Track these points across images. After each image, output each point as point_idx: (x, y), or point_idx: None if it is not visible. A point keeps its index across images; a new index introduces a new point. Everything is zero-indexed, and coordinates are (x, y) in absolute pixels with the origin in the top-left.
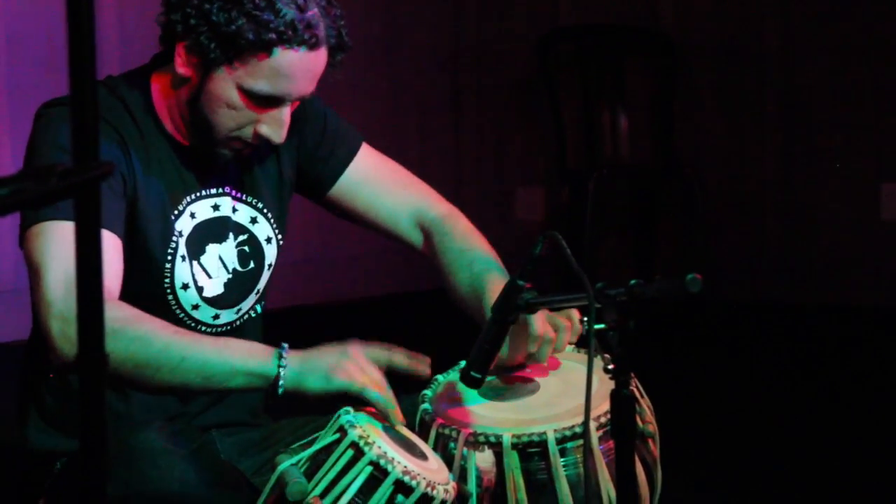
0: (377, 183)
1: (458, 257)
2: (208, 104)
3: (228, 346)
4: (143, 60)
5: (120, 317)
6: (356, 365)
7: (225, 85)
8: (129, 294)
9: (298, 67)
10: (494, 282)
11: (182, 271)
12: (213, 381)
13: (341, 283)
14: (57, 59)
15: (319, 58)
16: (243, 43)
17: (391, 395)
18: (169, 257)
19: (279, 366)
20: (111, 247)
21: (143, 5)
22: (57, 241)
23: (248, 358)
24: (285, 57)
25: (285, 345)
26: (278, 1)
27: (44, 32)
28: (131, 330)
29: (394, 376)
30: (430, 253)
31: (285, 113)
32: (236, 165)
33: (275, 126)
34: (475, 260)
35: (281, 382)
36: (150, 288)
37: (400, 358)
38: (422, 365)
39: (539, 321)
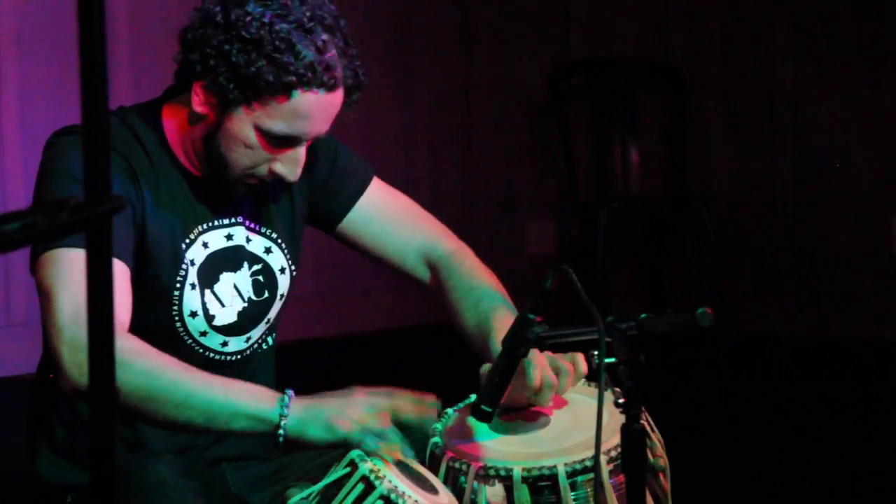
0: (386, 218)
1: (465, 294)
2: (225, 142)
3: (235, 387)
4: (156, 89)
5: (129, 348)
6: (359, 413)
7: (242, 125)
8: (137, 320)
9: (316, 108)
10: (501, 319)
11: (191, 299)
12: (216, 421)
13: (353, 316)
14: (69, 89)
15: (336, 98)
16: (263, 85)
17: (395, 438)
18: (178, 285)
19: (281, 414)
20: (121, 277)
21: (156, 35)
22: (68, 267)
23: (251, 401)
24: (304, 99)
25: (290, 391)
26: (298, 42)
27: (56, 64)
28: (140, 362)
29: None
30: (437, 289)
31: (301, 152)
32: (250, 196)
33: (290, 165)
34: (482, 297)
35: (281, 431)
36: (157, 315)
37: (407, 408)
38: (428, 409)
39: (537, 369)
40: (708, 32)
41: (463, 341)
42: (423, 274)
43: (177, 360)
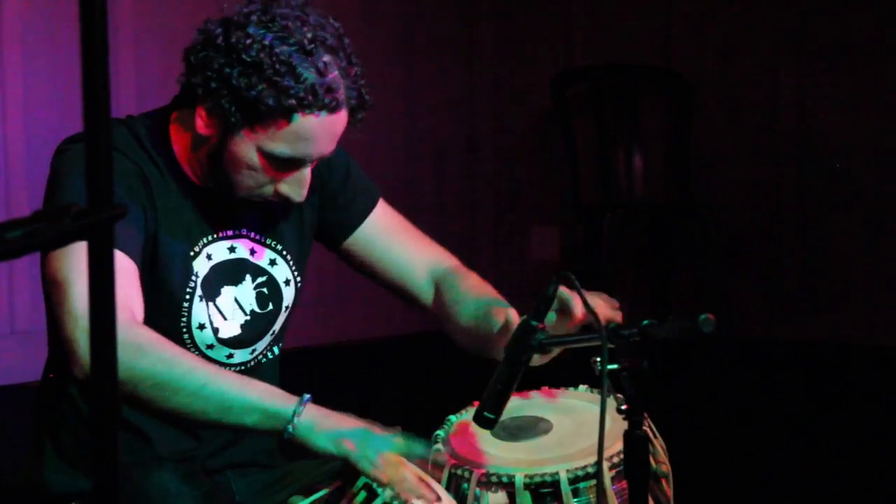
0: (393, 238)
1: (466, 295)
2: (229, 164)
3: (251, 383)
4: (159, 96)
5: (146, 336)
6: (369, 446)
7: (245, 147)
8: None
9: (318, 130)
10: (500, 312)
11: (199, 311)
12: (230, 413)
13: (356, 324)
14: (73, 96)
15: (339, 120)
16: (263, 109)
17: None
18: (187, 296)
19: (296, 412)
20: (132, 273)
21: (159, 43)
22: (82, 258)
23: (268, 398)
24: (305, 121)
25: (308, 396)
26: (299, 65)
27: (60, 71)
28: (157, 349)
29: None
30: (437, 306)
31: (305, 173)
32: (256, 208)
33: (295, 186)
34: (482, 296)
35: (290, 428)
36: (167, 325)
37: (423, 451)
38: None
39: (578, 305)
40: (711, 38)
41: (460, 342)
42: (428, 294)
43: (191, 353)
